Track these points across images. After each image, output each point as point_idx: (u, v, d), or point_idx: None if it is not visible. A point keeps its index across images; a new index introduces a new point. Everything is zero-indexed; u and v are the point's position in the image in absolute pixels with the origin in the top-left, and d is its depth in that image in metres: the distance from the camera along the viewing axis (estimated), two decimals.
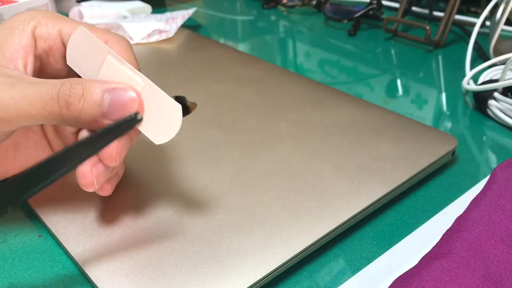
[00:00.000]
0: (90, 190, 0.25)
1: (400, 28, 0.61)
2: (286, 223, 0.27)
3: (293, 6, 0.71)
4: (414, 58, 0.54)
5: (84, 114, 0.24)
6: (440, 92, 0.46)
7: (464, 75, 0.45)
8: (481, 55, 0.52)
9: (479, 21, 0.50)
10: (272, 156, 0.33)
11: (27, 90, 0.23)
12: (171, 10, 0.66)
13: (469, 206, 0.26)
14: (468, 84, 0.43)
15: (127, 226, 0.28)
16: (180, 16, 0.58)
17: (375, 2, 0.62)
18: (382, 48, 0.57)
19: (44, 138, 0.31)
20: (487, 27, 0.57)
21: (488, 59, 0.50)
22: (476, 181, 0.34)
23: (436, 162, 0.33)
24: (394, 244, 0.28)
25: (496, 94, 0.40)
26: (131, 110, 0.24)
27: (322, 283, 0.26)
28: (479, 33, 0.52)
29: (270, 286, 0.26)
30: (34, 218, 0.30)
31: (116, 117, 0.24)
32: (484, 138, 0.39)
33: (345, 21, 0.63)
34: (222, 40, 0.61)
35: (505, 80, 0.39)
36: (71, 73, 0.28)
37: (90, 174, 0.25)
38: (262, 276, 0.24)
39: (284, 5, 0.71)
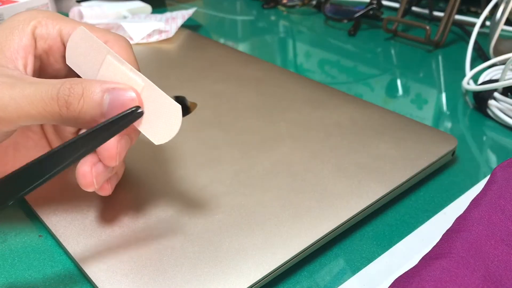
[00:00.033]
0: (90, 190, 0.25)
1: (400, 28, 0.61)
2: (286, 223, 0.27)
3: (293, 6, 0.71)
4: (414, 58, 0.54)
5: (84, 114, 0.24)
6: (440, 92, 0.46)
7: (464, 75, 0.45)
8: (481, 55, 0.52)
9: (479, 21, 0.50)
10: (272, 156, 0.33)
11: (27, 90, 0.24)
12: (171, 10, 0.66)
13: (469, 206, 0.26)
14: (468, 84, 0.43)
15: (127, 226, 0.28)
16: (180, 16, 0.58)
17: (375, 2, 0.62)
18: (382, 48, 0.57)
19: (44, 138, 0.31)
20: (487, 27, 0.57)
21: (488, 59, 0.50)
22: (476, 181, 0.34)
23: (436, 162, 0.33)
24: (394, 244, 0.28)
25: (496, 94, 0.40)
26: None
27: (322, 283, 0.26)
28: (479, 33, 0.52)
29: (270, 286, 0.26)
30: (34, 218, 0.30)
31: None
32: (484, 138, 0.39)
33: (345, 21, 0.63)
34: (222, 40, 0.61)
35: (505, 80, 0.39)
36: (71, 73, 0.28)
37: (90, 174, 0.25)
38: (262, 276, 0.24)
39: (284, 5, 0.71)
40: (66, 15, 0.64)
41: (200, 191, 0.30)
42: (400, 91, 0.47)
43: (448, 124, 0.41)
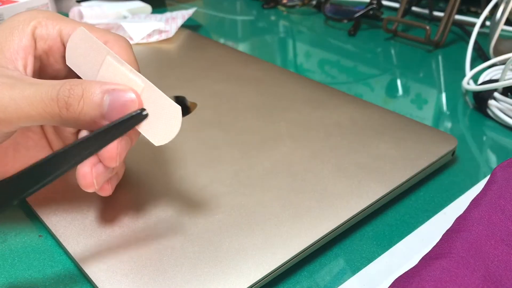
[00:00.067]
0: (90, 190, 0.25)
1: (400, 28, 0.61)
2: (286, 223, 0.27)
3: (293, 6, 0.71)
4: (414, 58, 0.54)
5: (84, 115, 0.24)
6: (440, 92, 0.46)
7: (464, 75, 0.45)
8: (481, 55, 0.52)
9: (479, 21, 0.50)
10: (272, 156, 0.33)
11: (27, 91, 0.23)
12: (171, 10, 0.66)
13: (469, 206, 0.26)
14: (468, 84, 0.43)
15: (127, 226, 0.28)
16: (180, 16, 0.58)
17: (375, 2, 0.62)
18: (382, 48, 0.57)
19: (44, 138, 0.31)
20: (487, 27, 0.57)
21: (488, 59, 0.50)
22: (476, 181, 0.34)
23: (436, 162, 0.33)
24: (394, 244, 0.28)
25: (496, 94, 0.40)
26: (130, 112, 0.24)
27: (322, 283, 0.26)
28: (479, 33, 0.52)
29: (270, 286, 0.26)
30: (34, 218, 0.30)
31: (116, 119, 0.24)
32: (484, 138, 0.39)
33: (345, 21, 0.63)
34: (222, 40, 0.61)
35: (505, 80, 0.39)
36: (71, 74, 0.28)
37: (90, 174, 0.25)
38: (262, 276, 0.24)
39: (284, 5, 0.71)
40: (66, 15, 0.64)
41: (200, 191, 0.30)
42: (400, 91, 0.47)
43: (448, 124, 0.41)
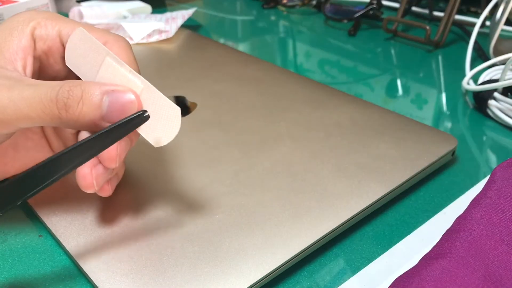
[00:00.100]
0: (90, 191, 0.25)
1: (400, 28, 0.61)
2: (286, 223, 0.27)
3: (293, 6, 0.71)
4: (414, 58, 0.54)
5: (83, 117, 0.24)
6: (440, 92, 0.46)
7: (464, 75, 0.45)
8: (481, 55, 0.52)
9: (479, 21, 0.50)
10: (272, 156, 0.33)
11: (26, 92, 0.23)
12: (171, 10, 0.66)
13: (469, 206, 0.26)
14: (468, 84, 0.43)
15: (127, 226, 0.28)
16: (180, 16, 0.58)
17: (375, 2, 0.62)
18: (382, 48, 0.57)
19: (43, 138, 0.31)
20: (487, 27, 0.57)
21: (488, 59, 0.50)
22: (476, 181, 0.34)
23: (436, 162, 0.33)
24: (394, 244, 0.28)
25: (496, 94, 0.40)
26: (130, 113, 0.24)
27: (322, 283, 0.26)
28: (479, 33, 0.52)
29: (270, 286, 0.26)
30: (34, 218, 0.30)
31: (115, 120, 0.24)
32: (484, 138, 0.39)
33: (345, 21, 0.63)
34: (222, 40, 0.61)
35: (505, 80, 0.39)
36: (70, 74, 0.28)
37: (90, 175, 0.25)
38: (262, 276, 0.24)
39: (284, 5, 0.71)
40: (66, 15, 0.64)
41: (200, 191, 0.30)
42: (400, 91, 0.47)
43: (448, 124, 0.41)
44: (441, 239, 0.25)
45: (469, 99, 0.44)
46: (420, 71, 0.50)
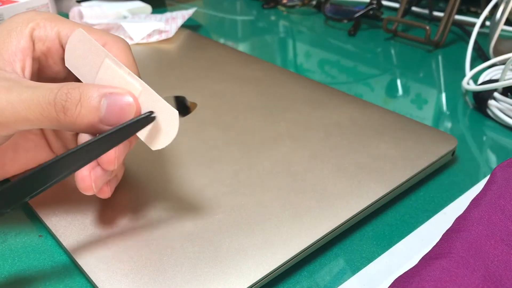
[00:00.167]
0: (89, 193, 0.25)
1: (400, 28, 0.61)
2: (286, 223, 0.27)
3: (293, 6, 0.71)
4: (414, 58, 0.54)
5: (81, 119, 0.24)
6: (440, 92, 0.46)
7: (464, 75, 0.45)
8: (481, 55, 0.52)
9: (479, 21, 0.50)
10: (272, 156, 0.33)
11: (24, 94, 0.23)
12: (171, 10, 0.66)
13: (469, 206, 0.26)
14: (468, 84, 0.43)
15: (127, 226, 0.28)
16: (180, 16, 0.58)
17: (375, 2, 0.62)
18: (382, 48, 0.57)
19: (43, 140, 0.31)
20: (487, 27, 0.57)
21: (488, 59, 0.50)
22: (476, 181, 0.34)
23: (436, 162, 0.33)
24: (394, 244, 0.28)
25: (496, 94, 0.40)
26: (128, 115, 0.24)
27: (322, 283, 0.26)
28: (479, 33, 0.52)
29: (270, 286, 0.26)
30: (34, 218, 0.30)
31: (113, 122, 0.24)
32: (484, 138, 0.39)
33: (345, 21, 0.63)
34: (222, 40, 0.61)
35: (505, 80, 0.39)
36: (70, 75, 0.28)
37: (89, 177, 0.25)
38: (262, 276, 0.24)
39: (284, 5, 0.71)
40: (66, 15, 0.64)
41: (200, 191, 0.30)
42: (400, 91, 0.47)
43: (448, 124, 0.41)
44: (441, 239, 0.25)
45: (469, 99, 0.44)
46: (420, 71, 0.51)
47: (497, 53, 0.50)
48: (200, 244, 0.26)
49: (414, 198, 0.32)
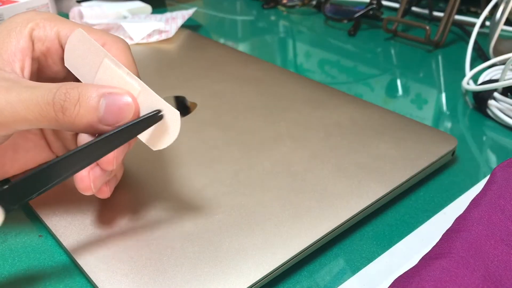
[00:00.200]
0: (88, 193, 0.25)
1: (400, 28, 0.61)
2: (286, 223, 0.27)
3: (293, 6, 0.71)
4: (414, 58, 0.54)
5: (80, 119, 0.24)
6: (440, 92, 0.46)
7: (464, 75, 0.45)
8: (481, 55, 0.52)
9: (479, 21, 0.50)
10: (272, 156, 0.33)
11: (23, 94, 0.23)
12: (171, 10, 0.66)
13: (469, 206, 0.26)
14: (468, 84, 0.43)
15: (127, 226, 0.28)
16: (180, 16, 0.58)
17: (375, 2, 0.62)
18: (382, 48, 0.57)
19: (43, 139, 0.31)
20: (487, 27, 0.57)
21: (488, 59, 0.50)
22: (476, 181, 0.34)
23: (436, 162, 0.33)
24: (394, 244, 0.28)
25: (496, 94, 0.40)
26: (127, 115, 0.24)
27: (322, 283, 0.26)
28: (479, 33, 0.52)
29: (270, 286, 0.26)
30: (34, 218, 0.30)
31: (112, 122, 0.24)
32: (484, 138, 0.39)
33: (345, 21, 0.63)
34: (222, 40, 0.61)
35: (505, 80, 0.39)
36: (69, 75, 0.28)
37: (88, 178, 0.25)
38: (262, 276, 0.24)
39: (284, 5, 0.71)
40: (66, 15, 0.64)
41: (200, 191, 0.30)
42: (400, 91, 0.47)
43: (448, 124, 0.41)
44: (441, 239, 0.25)
45: (469, 99, 0.44)
46: (420, 71, 0.51)
47: (497, 53, 0.50)
48: (200, 244, 0.26)
49: (414, 198, 0.32)
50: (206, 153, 0.33)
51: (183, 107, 0.39)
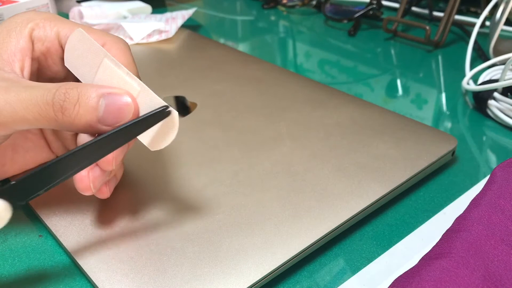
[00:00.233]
0: (88, 194, 0.25)
1: (400, 28, 0.61)
2: (286, 223, 0.27)
3: (293, 6, 0.71)
4: (414, 58, 0.54)
5: (79, 119, 0.24)
6: (440, 92, 0.46)
7: (464, 75, 0.45)
8: (481, 55, 0.52)
9: (479, 21, 0.50)
10: (272, 156, 0.33)
11: (23, 94, 0.23)
12: (171, 10, 0.66)
13: (469, 206, 0.26)
14: (468, 84, 0.43)
15: (127, 226, 0.28)
16: (180, 16, 0.58)
17: (375, 2, 0.62)
18: (382, 48, 0.57)
19: (43, 139, 0.31)
20: (487, 27, 0.57)
21: (488, 59, 0.50)
22: (476, 181, 0.34)
23: (436, 162, 0.33)
24: (394, 244, 0.28)
25: (496, 94, 0.40)
26: (126, 116, 0.24)
27: (322, 283, 0.26)
28: (479, 33, 0.52)
29: (270, 286, 0.26)
30: (34, 218, 0.30)
31: (112, 122, 0.24)
32: (484, 138, 0.39)
33: (345, 21, 0.63)
34: (222, 40, 0.61)
35: (505, 80, 0.39)
36: (69, 75, 0.28)
37: (87, 178, 0.25)
38: (262, 276, 0.24)
39: (284, 5, 0.71)
40: (66, 15, 0.64)
41: (200, 191, 0.30)
42: (400, 91, 0.47)
43: (448, 124, 0.41)
44: (441, 239, 0.25)
45: (469, 99, 0.44)
46: (420, 71, 0.51)
47: (497, 53, 0.50)
48: (200, 244, 0.26)
49: (414, 198, 0.32)
50: (206, 153, 0.33)
51: (183, 107, 0.39)
